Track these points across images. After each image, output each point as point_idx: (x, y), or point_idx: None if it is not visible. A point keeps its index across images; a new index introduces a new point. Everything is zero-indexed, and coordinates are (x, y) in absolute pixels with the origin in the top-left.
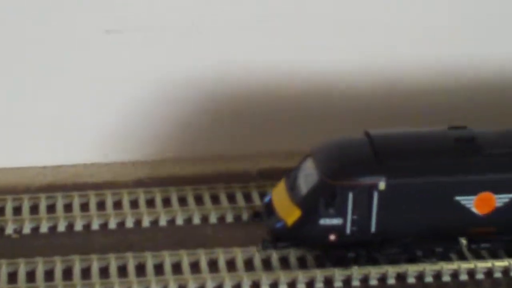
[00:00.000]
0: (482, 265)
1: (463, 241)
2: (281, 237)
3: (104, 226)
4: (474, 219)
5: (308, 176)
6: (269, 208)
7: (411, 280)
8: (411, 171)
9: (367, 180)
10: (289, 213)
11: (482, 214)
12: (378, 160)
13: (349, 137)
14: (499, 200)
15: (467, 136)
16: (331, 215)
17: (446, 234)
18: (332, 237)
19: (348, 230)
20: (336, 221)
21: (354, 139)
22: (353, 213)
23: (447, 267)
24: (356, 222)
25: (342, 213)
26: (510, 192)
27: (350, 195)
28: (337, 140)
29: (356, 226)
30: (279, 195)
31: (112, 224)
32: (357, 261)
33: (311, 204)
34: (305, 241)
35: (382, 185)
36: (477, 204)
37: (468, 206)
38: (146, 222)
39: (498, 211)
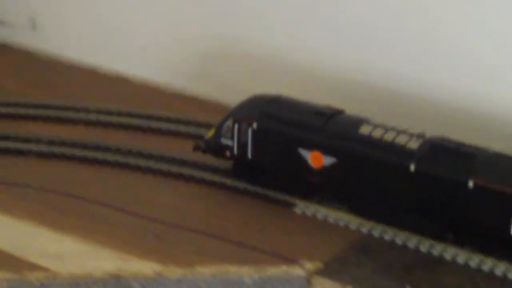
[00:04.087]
0: None
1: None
2: (206, 146)
3: None
4: (310, 170)
5: None
6: None
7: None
8: (274, 122)
9: (245, 120)
10: (211, 131)
11: (315, 167)
12: (259, 110)
13: (266, 95)
14: (326, 160)
15: (325, 112)
16: (227, 137)
17: (293, 175)
18: (227, 153)
19: (235, 151)
20: (230, 142)
21: (266, 96)
22: (238, 140)
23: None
24: (240, 147)
25: (233, 138)
26: (334, 156)
27: (236, 127)
28: (259, 94)
29: (241, 150)
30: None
31: None
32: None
33: (219, 127)
34: (213, 152)
35: (255, 125)
36: (312, 159)
37: (306, 158)
38: None
39: (326, 168)
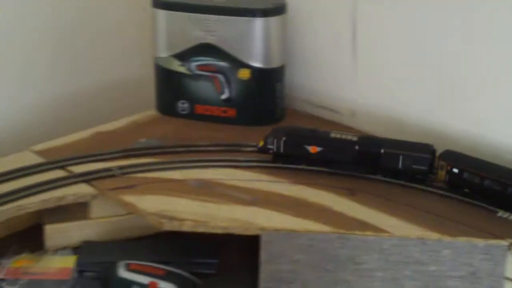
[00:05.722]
0: None
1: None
2: (259, 149)
3: None
4: (309, 153)
5: None
6: None
7: None
8: (294, 136)
9: (279, 136)
10: (261, 141)
11: (312, 152)
12: (284, 131)
13: (289, 125)
14: (318, 149)
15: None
16: (271, 144)
17: (299, 158)
18: (270, 151)
19: (275, 150)
20: (272, 146)
21: (289, 126)
22: (276, 145)
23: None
24: (277, 148)
25: (273, 144)
26: (323, 147)
27: (275, 140)
28: (284, 125)
29: (277, 149)
30: None
31: None
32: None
33: (265, 139)
34: (263, 151)
35: (284, 138)
36: (311, 149)
37: (308, 149)
38: None
39: (318, 152)
